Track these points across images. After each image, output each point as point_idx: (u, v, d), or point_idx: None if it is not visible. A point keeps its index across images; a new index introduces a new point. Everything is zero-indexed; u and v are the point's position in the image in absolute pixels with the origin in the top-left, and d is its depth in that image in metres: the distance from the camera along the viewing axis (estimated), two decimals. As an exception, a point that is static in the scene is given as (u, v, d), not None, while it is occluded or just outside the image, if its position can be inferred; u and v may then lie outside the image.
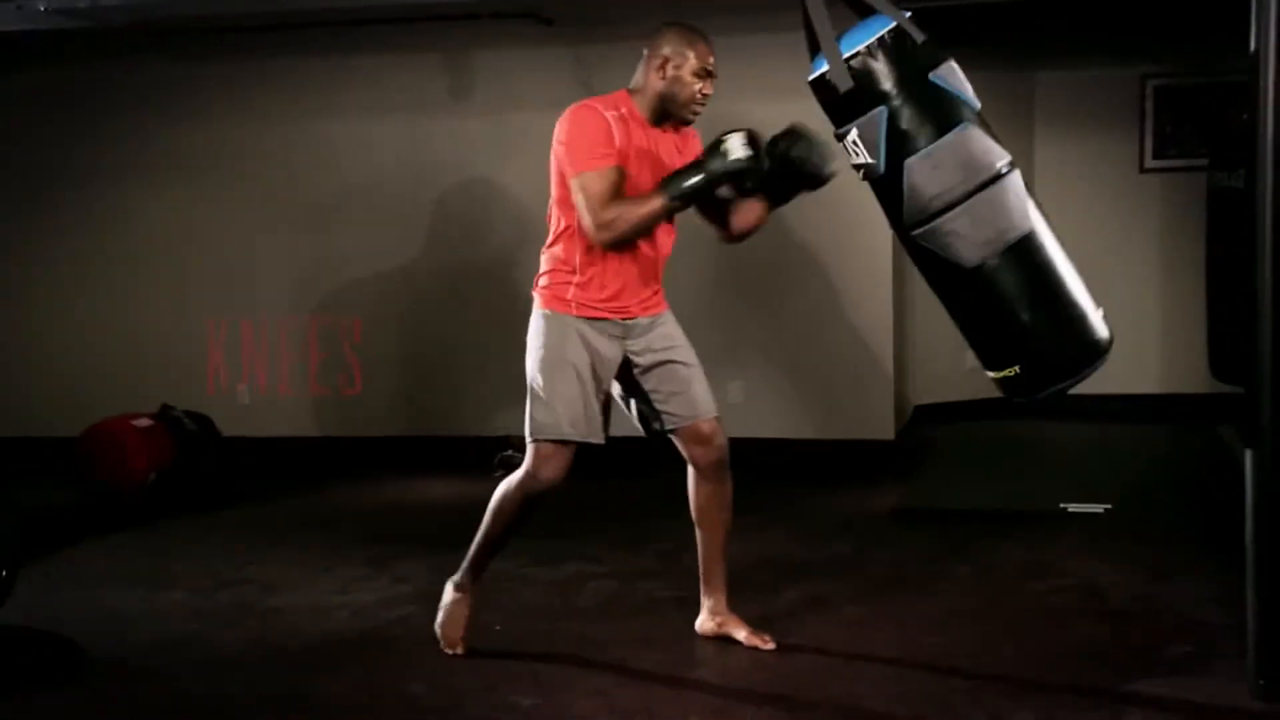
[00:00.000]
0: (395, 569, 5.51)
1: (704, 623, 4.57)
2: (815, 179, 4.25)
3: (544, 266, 4.34)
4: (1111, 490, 6.63)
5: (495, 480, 4.43)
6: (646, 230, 4.21)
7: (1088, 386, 3.98)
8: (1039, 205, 3.89)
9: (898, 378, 7.86)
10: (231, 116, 8.21)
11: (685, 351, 4.42)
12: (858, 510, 6.60)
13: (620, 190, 4.14)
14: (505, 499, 4.38)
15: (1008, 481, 7.15)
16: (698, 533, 4.53)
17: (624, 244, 4.20)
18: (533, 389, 4.30)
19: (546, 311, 4.30)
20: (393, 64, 8.03)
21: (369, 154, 8.09)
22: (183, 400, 7.53)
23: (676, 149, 4.27)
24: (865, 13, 3.84)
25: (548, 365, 4.27)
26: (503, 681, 4.24)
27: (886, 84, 3.76)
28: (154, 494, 6.97)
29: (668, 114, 4.25)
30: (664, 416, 4.39)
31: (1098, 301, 3.90)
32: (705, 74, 4.21)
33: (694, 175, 4.12)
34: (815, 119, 4.05)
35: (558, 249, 4.29)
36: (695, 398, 4.39)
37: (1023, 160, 8.63)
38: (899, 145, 3.77)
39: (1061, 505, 6.40)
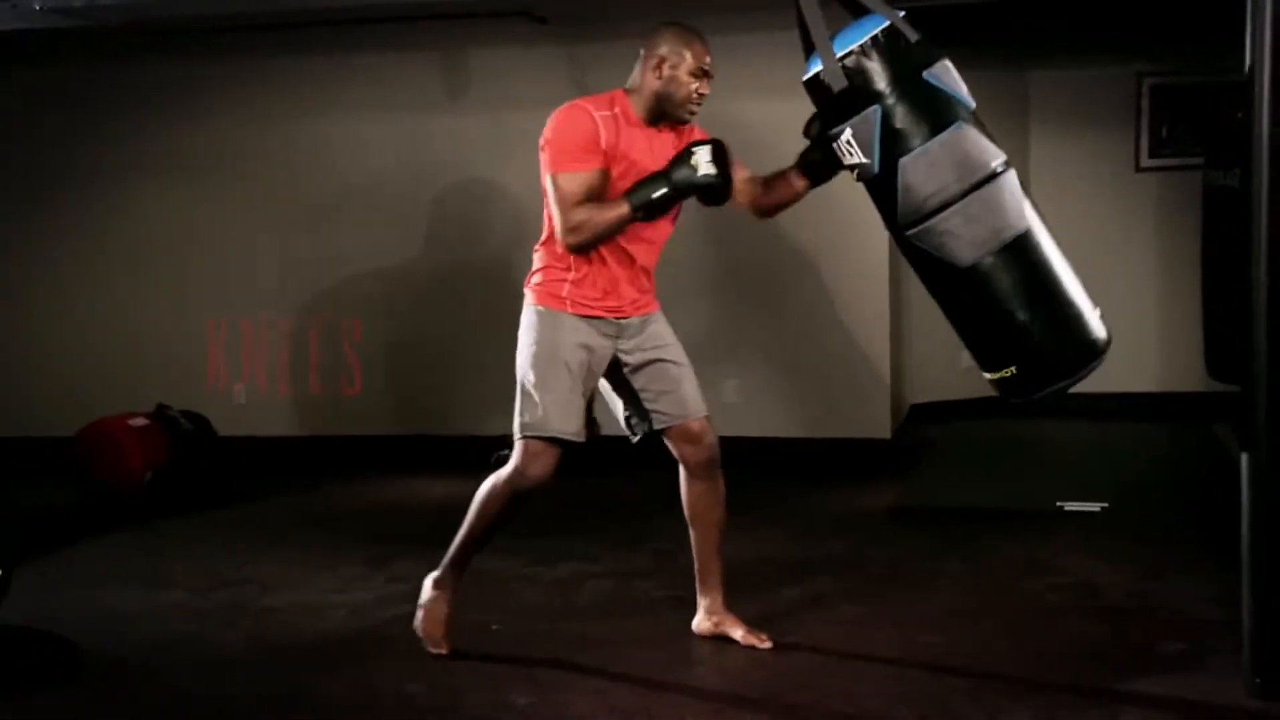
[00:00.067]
0: (393, 568, 5.51)
1: (701, 622, 4.57)
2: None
3: (537, 263, 4.34)
4: (1108, 489, 6.64)
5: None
6: (613, 235, 4.19)
7: (1085, 385, 3.98)
8: (1035, 205, 3.90)
9: (894, 377, 7.87)
10: (230, 116, 8.21)
11: (675, 350, 4.42)
12: (854, 509, 6.61)
13: (597, 193, 4.14)
14: (491, 496, 4.37)
15: (1004, 480, 7.16)
16: (691, 533, 4.53)
17: (595, 247, 4.20)
18: (524, 386, 4.29)
19: (540, 308, 4.30)
20: (389, 63, 8.03)
21: (366, 153, 8.10)
22: (178, 400, 7.53)
23: (673, 148, 4.26)
24: (859, 12, 3.85)
25: (541, 362, 4.26)
26: (500, 680, 4.24)
27: (880, 83, 3.76)
28: (151, 494, 6.97)
29: (664, 113, 4.25)
30: (654, 416, 4.39)
31: (1095, 301, 3.90)
32: (702, 74, 4.21)
33: (659, 187, 4.10)
34: (813, 119, 4.06)
35: (552, 246, 4.28)
36: (685, 397, 4.40)
37: (1018, 159, 8.65)
38: (893, 144, 3.77)
39: (1058, 504, 6.40)
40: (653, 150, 4.22)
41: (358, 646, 4.64)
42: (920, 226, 3.79)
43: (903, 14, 3.81)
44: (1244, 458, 3.86)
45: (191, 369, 8.25)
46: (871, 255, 7.54)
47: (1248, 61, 3.77)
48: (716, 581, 4.55)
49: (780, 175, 4.36)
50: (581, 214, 4.10)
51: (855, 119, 3.80)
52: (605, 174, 4.15)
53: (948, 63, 3.85)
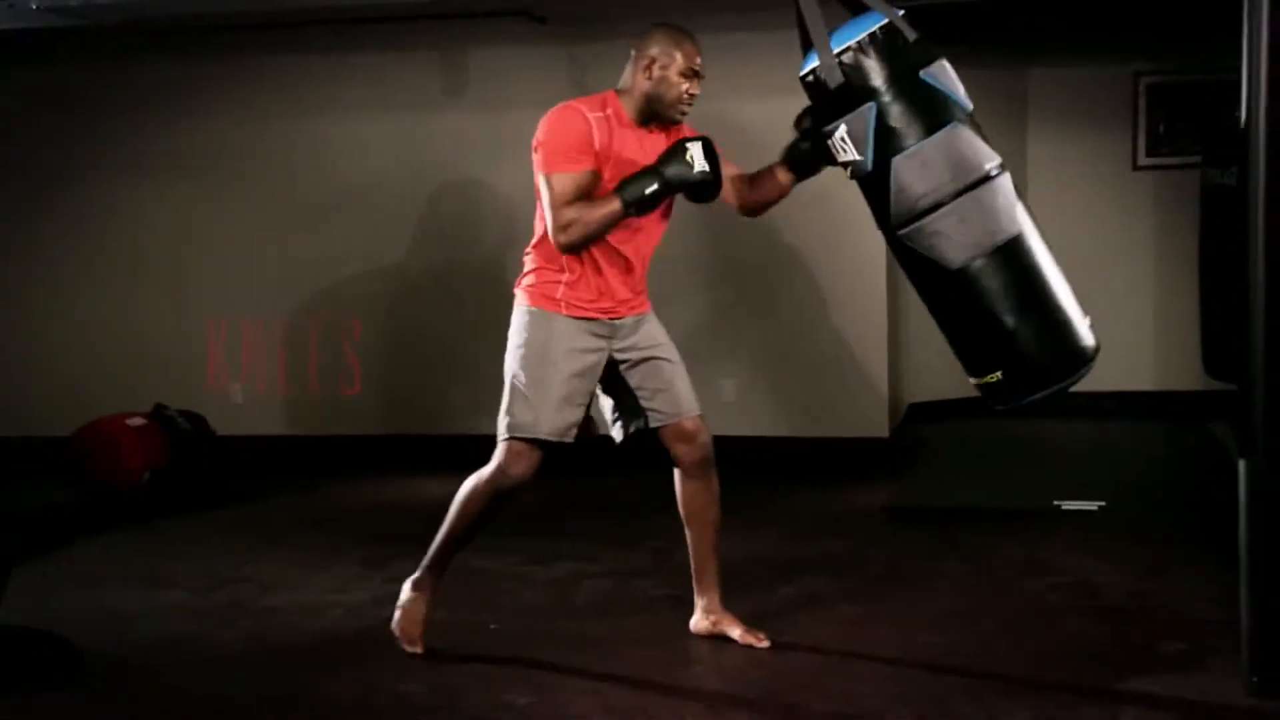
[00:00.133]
0: (392, 568, 5.51)
1: (698, 622, 4.58)
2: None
3: (530, 265, 4.34)
4: (1106, 488, 6.64)
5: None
6: (604, 233, 4.18)
7: (1082, 384, 3.98)
8: (1029, 209, 3.90)
9: (892, 376, 7.87)
10: (229, 116, 8.20)
11: (669, 349, 4.43)
12: (852, 508, 6.61)
13: (589, 194, 4.15)
14: (473, 495, 4.38)
15: (1002, 479, 7.16)
16: (687, 532, 4.53)
17: (586, 246, 4.20)
18: (513, 386, 4.30)
19: (533, 309, 4.30)
20: (388, 62, 8.03)
21: (365, 153, 8.09)
22: (176, 399, 7.53)
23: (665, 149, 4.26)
24: (858, 10, 3.85)
25: (531, 363, 4.27)
26: (498, 680, 4.24)
27: (876, 80, 3.77)
28: (149, 493, 6.97)
29: (655, 114, 4.25)
30: (649, 414, 4.40)
31: (1087, 309, 3.90)
32: (692, 74, 4.21)
33: (651, 182, 4.10)
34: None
35: (545, 248, 4.28)
36: (679, 395, 4.41)
37: (1016, 158, 8.75)
38: (887, 142, 3.77)
39: (1056, 503, 6.40)
40: (644, 151, 4.22)
41: (357, 646, 4.64)
42: (911, 226, 3.79)
43: (901, 12, 3.81)
44: (1241, 456, 3.86)
45: (190, 369, 8.24)
46: (869, 254, 7.54)
47: (1245, 60, 3.77)
48: (713, 580, 4.55)
49: (766, 171, 4.38)
50: (572, 212, 4.10)
51: (850, 115, 3.80)
52: (597, 175, 4.16)
53: (945, 63, 3.85)
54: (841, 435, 7.70)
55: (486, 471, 4.36)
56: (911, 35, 3.80)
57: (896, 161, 3.77)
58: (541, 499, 6.57)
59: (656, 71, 4.19)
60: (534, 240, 4.33)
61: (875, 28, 3.77)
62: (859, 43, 3.76)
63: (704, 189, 4.15)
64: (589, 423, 4.40)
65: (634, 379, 4.38)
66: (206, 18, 7.48)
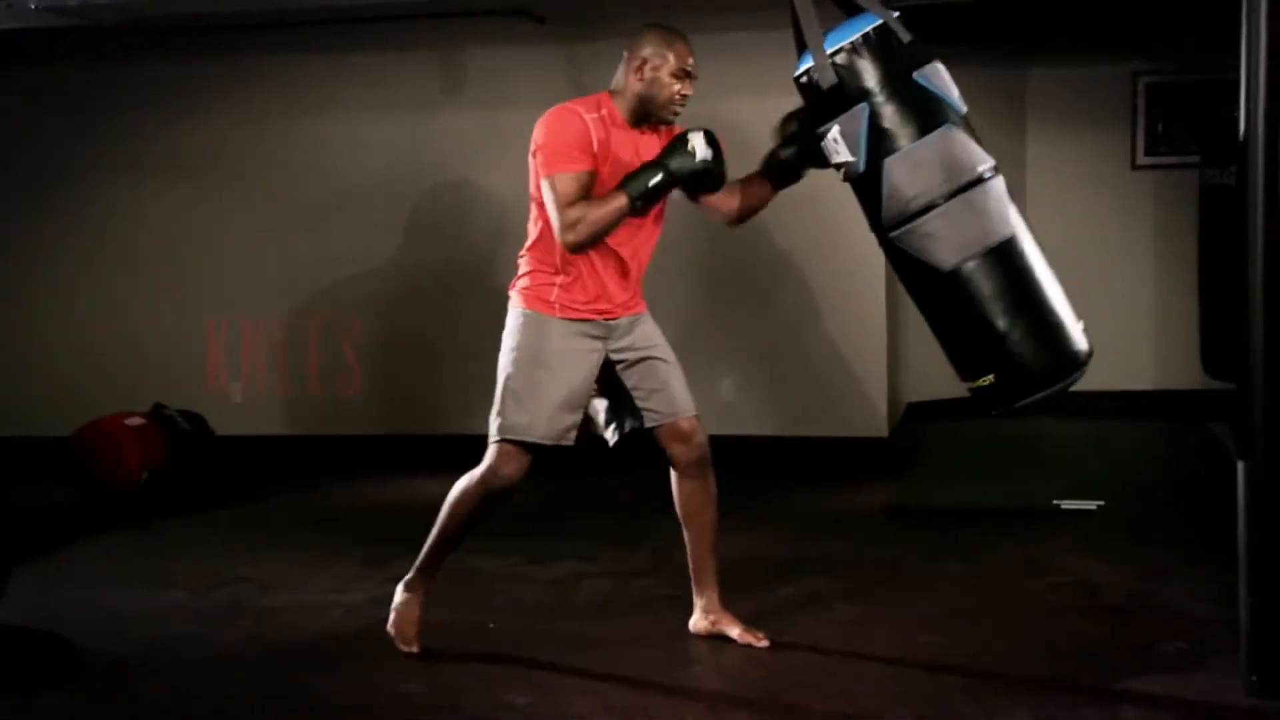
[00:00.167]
0: (391, 568, 5.49)
1: (697, 622, 4.58)
2: (826, 159, 4.21)
3: (524, 268, 4.35)
4: (1105, 487, 6.65)
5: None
6: (611, 230, 4.19)
7: (1081, 384, 3.98)
8: (1023, 213, 3.89)
9: (891, 375, 7.87)
10: (228, 115, 8.21)
11: (664, 349, 4.43)
12: (851, 508, 6.61)
13: (590, 193, 4.15)
14: (463, 496, 4.39)
15: (1002, 479, 7.16)
16: (685, 532, 4.53)
17: (593, 245, 4.19)
18: (505, 388, 4.31)
19: (527, 311, 4.31)
20: (387, 62, 8.03)
21: (364, 153, 8.09)
22: (176, 399, 7.53)
23: (658, 149, 4.26)
24: (853, 11, 3.85)
25: (524, 366, 4.28)
26: (498, 680, 4.25)
27: (870, 81, 3.77)
28: (148, 493, 6.98)
29: (647, 115, 4.26)
30: (645, 414, 4.40)
31: (1080, 313, 3.89)
32: (684, 74, 4.21)
33: (655, 174, 4.12)
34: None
35: (539, 250, 4.30)
36: (675, 395, 4.41)
37: (1015, 157, 8.77)
38: (880, 144, 3.78)
39: (1055, 502, 6.41)
40: (638, 151, 4.24)
41: (356, 646, 4.64)
42: (903, 228, 3.79)
43: (897, 14, 3.81)
44: (1239, 455, 3.86)
45: (190, 368, 8.25)
46: (868, 254, 7.41)
47: (1243, 60, 3.77)
48: (712, 580, 4.55)
49: (746, 180, 4.41)
50: (577, 211, 4.11)
51: (843, 116, 3.80)
52: (595, 174, 4.17)
53: (939, 65, 3.85)
54: (841, 435, 7.70)
55: (477, 473, 4.37)
56: (906, 37, 3.80)
57: (889, 163, 3.77)
58: (541, 499, 6.57)
59: (648, 72, 4.20)
60: (528, 243, 4.34)
61: (869, 29, 3.77)
62: (852, 43, 3.77)
63: (706, 178, 4.15)
64: (586, 422, 4.41)
65: (630, 379, 4.38)
66: (206, 18, 7.48)
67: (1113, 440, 8.18)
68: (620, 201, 4.12)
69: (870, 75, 3.77)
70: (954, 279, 3.78)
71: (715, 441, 4.49)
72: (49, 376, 8.36)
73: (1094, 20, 8.13)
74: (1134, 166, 8.93)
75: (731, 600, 4.59)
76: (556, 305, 4.26)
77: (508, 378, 4.30)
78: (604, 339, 4.32)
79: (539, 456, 4.33)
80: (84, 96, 8.33)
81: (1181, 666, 4.20)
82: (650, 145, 4.26)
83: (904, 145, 3.76)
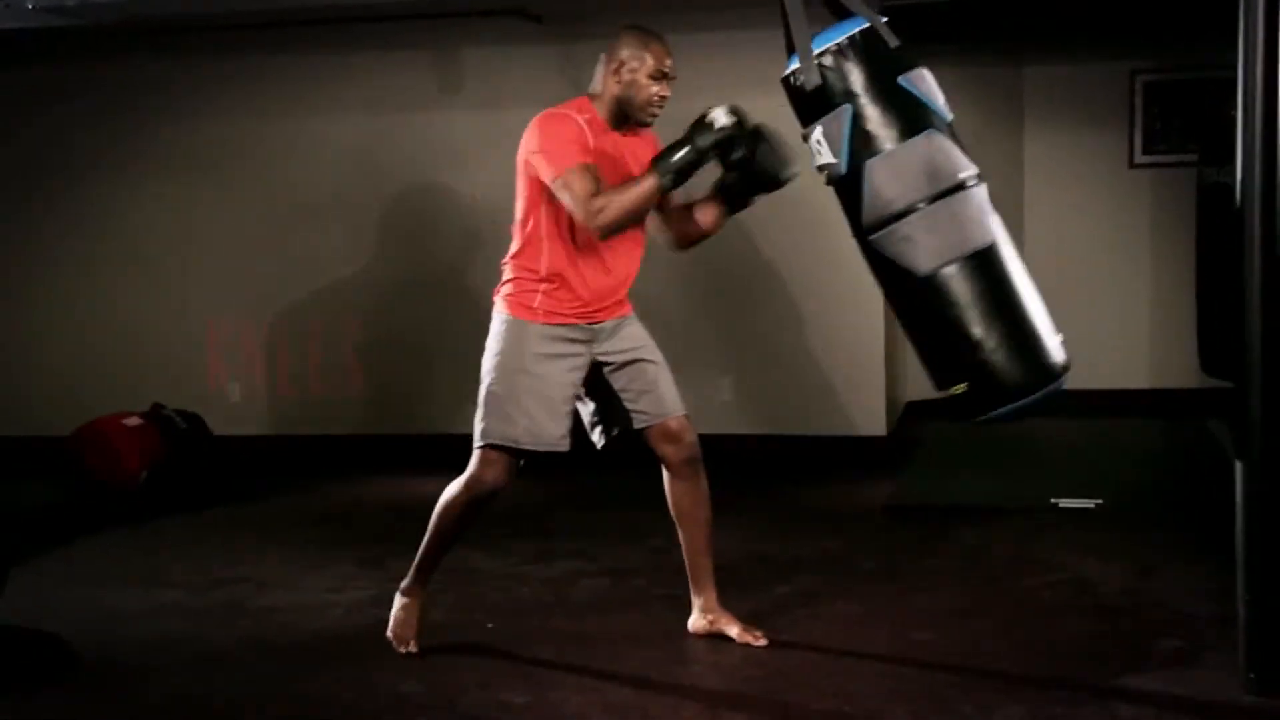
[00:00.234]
0: (389, 567, 5.50)
1: (696, 621, 4.58)
2: (774, 181, 4.27)
3: (508, 274, 4.34)
4: (1102, 485, 6.65)
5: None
6: (640, 215, 4.19)
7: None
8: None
9: (889, 373, 7.88)
10: (228, 115, 8.22)
11: (652, 350, 4.42)
12: (849, 506, 6.62)
13: (600, 181, 4.14)
14: (450, 504, 4.41)
15: (999, 477, 7.16)
16: (680, 532, 4.53)
17: (623, 230, 4.17)
18: (489, 393, 4.31)
19: (510, 318, 4.31)
20: (385, 61, 8.03)
21: (363, 152, 8.10)
22: (175, 399, 7.53)
23: (638, 151, 4.27)
24: (842, 14, 3.85)
25: (506, 372, 4.28)
26: (496, 679, 4.25)
27: (854, 83, 3.76)
28: (146, 493, 6.98)
29: (626, 117, 4.26)
30: (634, 415, 4.39)
31: (1062, 323, 3.88)
32: (662, 76, 4.21)
33: (681, 150, 4.09)
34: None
35: (524, 257, 4.29)
36: (663, 395, 4.40)
37: (1012, 156, 8.78)
38: (862, 146, 3.77)
39: (1053, 500, 6.41)
40: (623, 153, 4.24)
41: (355, 646, 4.64)
42: (882, 231, 3.78)
43: (885, 19, 3.81)
44: (1237, 453, 3.86)
45: (189, 368, 8.25)
46: (866, 252, 7.54)
47: (1240, 58, 3.77)
48: (709, 579, 4.55)
49: (697, 205, 4.40)
50: (601, 199, 4.09)
51: (827, 117, 3.80)
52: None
53: (926, 71, 3.85)
54: (839, 434, 7.71)
55: (462, 479, 4.39)
56: (893, 42, 3.80)
57: (870, 165, 3.77)
58: (539, 498, 6.59)
59: (626, 75, 4.20)
60: (512, 249, 4.33)
61: (855, 31, 3.77)
62: (838, 45, 3.77)
63: (732, 145, 4.08)
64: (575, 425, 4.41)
65: (618, 381, 4.38)
66: (205, 18, 7.48)
67: (1110, 439, 8.18)
68: (649, 184, 4.09)
69: (855, 77, 3.76)
70: (930, 284, 3.76)
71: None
72: (48, 376, 8.37)
73: (1091, 19, 8.13)
74: (1131, 165, 8.93)
75: (730, 599, 4.59)
76: (539, 311, 4.26)
77: (490, 384, 4.31)
78: (589, 342, 4.31)
79: (533, 459, 4.34)
80: (83, 96, 8.34)
81: (1179, 664, 4.20)
82: (632, 147, 4.27)
83: (886, 148, 3.75)
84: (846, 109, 3.76)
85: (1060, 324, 3.92)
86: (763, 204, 4.44)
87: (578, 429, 4.41)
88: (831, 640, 4.53)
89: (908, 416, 8.51)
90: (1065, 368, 3.85)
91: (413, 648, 4.47)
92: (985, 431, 7.98)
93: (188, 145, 8.24)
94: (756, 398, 7.80)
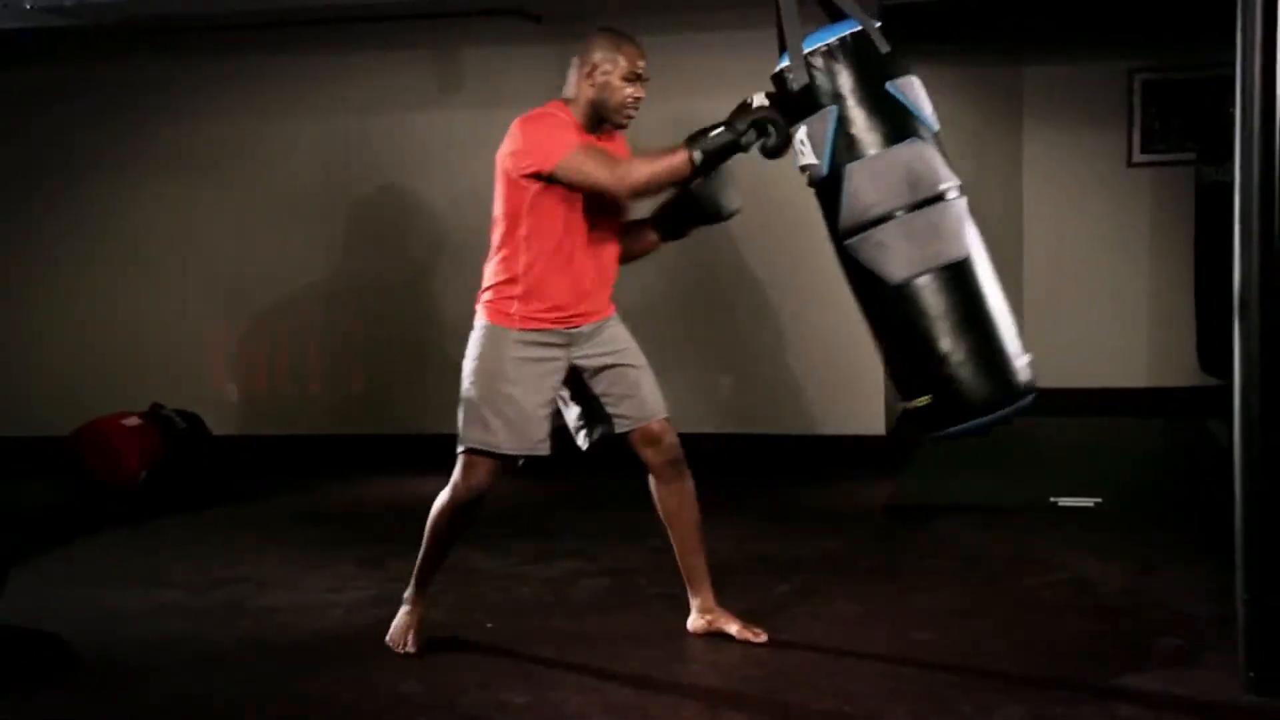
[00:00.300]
0: (389, 567, 5.51)
1: (694, 621, 4.58)
2: (715, 215, 4.30)
3: (487, 279, 4.35)
4: (1102, 484, 6.66)
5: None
6: (666, 185, 4.14)
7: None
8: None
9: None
10: (228, 115, 8.21)
11: (632, 354, 4.41)
12: (849, 506, 6.62)
13: (609, 155, 4.14)
14: (440, 512, 4.43)
15: (998, 476, 7.16)
16: (670, 534, 4.53)
17: (650, 195, 4.18)
18: (467, 399, 4.34)
19: (488, 324, 4.32)
20: (385, 61, 8.04)
21: (363, 152, 8.10)
22: (172, 398, 7.53)
23: (615, 155, 4.26)
24: (837, 17, 3.85)
25: (483, 378, 4.30)
26: (495, 679, 4.25)
27: (842, 85, 3.76)
28: (145, 493, 6.98)
29: (601, 120, 4.25)
30: (615, 420, 4.39)
31: (1028, 346, 3.87)
32: (635, 77, 4.20)
33: (718, 128, 4.02)
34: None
35: (500, 262, 4.30)
36: (644, 399, 4.40)
37: (1011, 155, 8.78)
38: (844, 149, 3.76)
39: (1052, 499, 6.42)
40: None
41: (355, 646, 4.64)
42: (857, 236, 3.78)
43: (879, 25, 3.81)
44: (1236, 452, 3.87)
45: (188, 368, 8.25)
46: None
47: (1239, 56, 3.77)
48: (704, 578, 4.55)
49: (640, 223, 4.42)
50: (622, 168, 4.08)
51: (812, 118, 3.80)
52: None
53: (915, 79, 3.84)
54: (838, 433, 7.70)
55: (448, 486, 4.41)
56: (885, 47, 3.79)
57: (850, 169, 3.76)
58: (538, 498, 6.59)
59: (599, 77, 4.19)
60: (490, 252, 4.34)
61: (846, 34, 3.77)
62: (829, 46, 3.76)
63: (767, 127, 3.95)
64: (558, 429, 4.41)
65: (598, 386, 4.38)
66: (204, 18, 7.49)
67: (1109, 437, 8.19)
68: (680, 157, 4.03)
69: (843, 80, 3.76)
70: (901, 293, 3.75)
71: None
72: (48, 376, 8.36)
73: (1090, 18, 8.14)
74: (1130, 164, 8.94)
75: (730, 598, 4.59)
76: (516, 317, 4.26)
77: (468, 389, 4.34)
78: (566, 347, 4.31)
79: (529, 460, 4.35)
80: (83, 96, 8.33)
81: (1179, 663, 4.20)
82: (609, 150, 4.25)
83: (869, 153, 3.75)
84: (832, 110, 3.76)
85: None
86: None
87: (566, 431, 4.42)
88: (831, 640, 4.53)
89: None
90: (1030, 389, 3.83)
91: (411, 648, 4.48)
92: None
93: (188, 145, 8.24)
94: (756, 397, 7.79)
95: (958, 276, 3.75)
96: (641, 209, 4.43)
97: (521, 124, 4.20)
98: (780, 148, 3.98)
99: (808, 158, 3.82)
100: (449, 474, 4.44)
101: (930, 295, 3.73)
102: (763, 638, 4.46)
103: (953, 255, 3.75)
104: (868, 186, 3.73)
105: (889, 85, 3.77)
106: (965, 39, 8.17)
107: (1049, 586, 5.09)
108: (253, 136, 8.21)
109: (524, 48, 7.77)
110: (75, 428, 7.20)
